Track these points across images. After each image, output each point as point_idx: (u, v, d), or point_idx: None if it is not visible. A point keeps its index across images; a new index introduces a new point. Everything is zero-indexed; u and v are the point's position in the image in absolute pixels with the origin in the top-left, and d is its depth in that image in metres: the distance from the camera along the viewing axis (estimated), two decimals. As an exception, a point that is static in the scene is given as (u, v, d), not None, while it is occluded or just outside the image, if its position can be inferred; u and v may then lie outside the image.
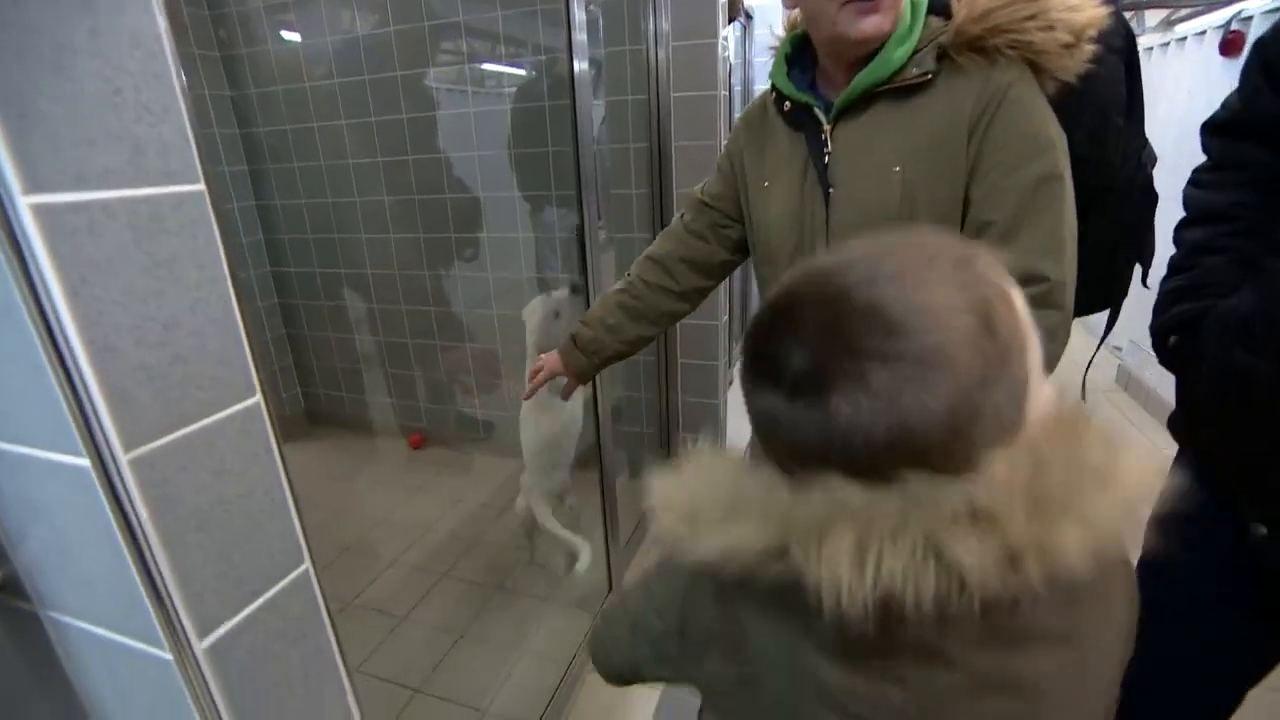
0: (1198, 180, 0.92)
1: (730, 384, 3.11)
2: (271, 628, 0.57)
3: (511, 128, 2.38)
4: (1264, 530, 0.82)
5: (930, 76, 0.80)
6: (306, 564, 0.60)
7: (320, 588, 0.62)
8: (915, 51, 0.80)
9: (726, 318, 2.54)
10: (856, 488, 0.38)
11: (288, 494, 0.57)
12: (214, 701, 0.52)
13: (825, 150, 0.86)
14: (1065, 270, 0.78)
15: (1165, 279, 0.94)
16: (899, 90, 0.81)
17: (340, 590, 2.03)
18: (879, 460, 0.38)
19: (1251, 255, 0.83)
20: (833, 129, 0.86)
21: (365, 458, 2.94)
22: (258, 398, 0.53)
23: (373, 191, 2.59)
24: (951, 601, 0.36)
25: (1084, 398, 1.32)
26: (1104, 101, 0.96)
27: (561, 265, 2.47)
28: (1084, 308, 1.61)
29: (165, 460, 0.46)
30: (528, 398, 1.31)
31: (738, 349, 4.14)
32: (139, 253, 0.43)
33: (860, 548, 0.36)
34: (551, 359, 1.20)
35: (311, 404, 3.13)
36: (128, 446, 0.43)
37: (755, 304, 4.13)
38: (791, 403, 0.39)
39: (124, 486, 0.44)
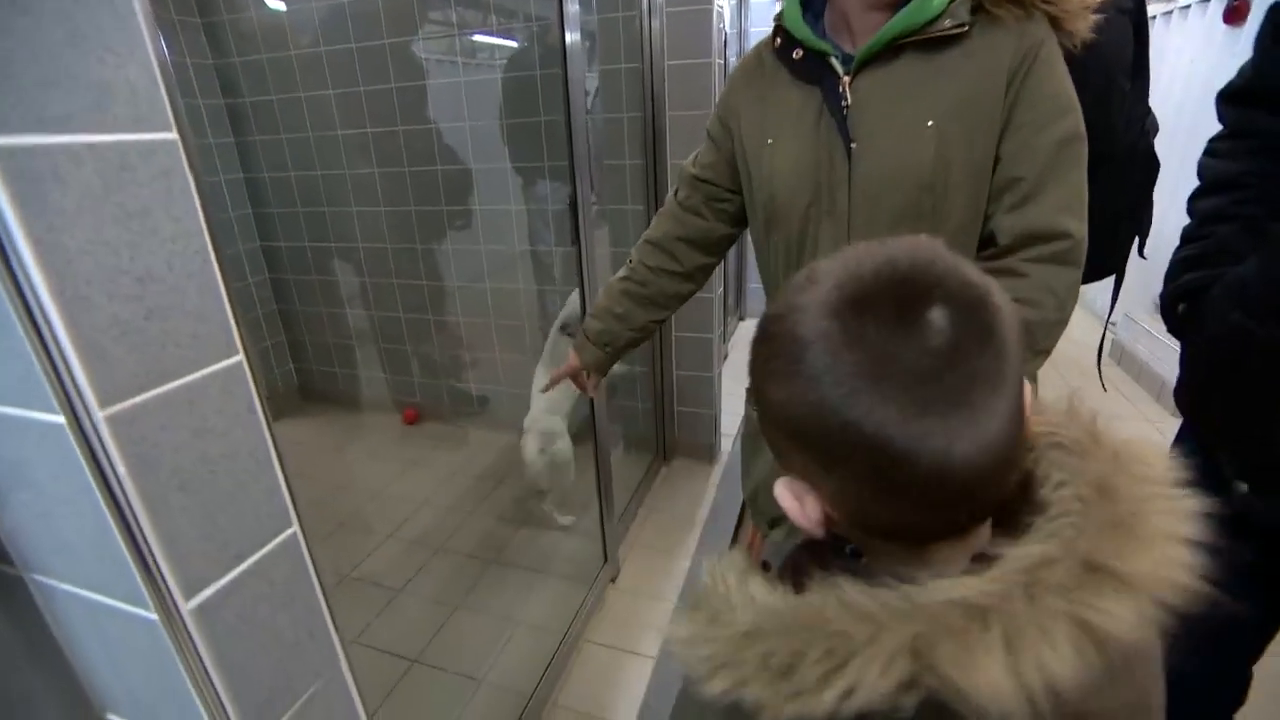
0: (1213, 150, 0.92)
1: (725, 358, 3.11)
2: (259, 592, 0.56)
3: (503, 97, 2.33)
4: (1245, 487, 0.83)
5: (966, 29, 0.77)
6: (294, 528, 0.59)
7: (310, 553, 0.62)
8: (950, 1, 0.77)
9: (721, 290, 2.53)
10: (966, 574, 0.33)
11: (273, 456, 0.56)
12: (203, 663, 0.52)
13: (844, 103, 0.82)
14: (1084, 229, 0.78)
15: (1178, 248, 0.94)
16: (929, 42, 0.78)
17: (336, 563, 2.03)
18: (985, 493, 0.35)
19: (1263, 222, 0.83)
20: (852, 80, 0.81)
21: (359, 433, 2.94)
22: (240, 357, 0.52)
23: (362, 164, 2.55)
24: (1102, 673, 0.31)
25: (1104, 387, 1.27)
26: (1111, 64, 0.94)
27: (555, 238, 2.45)
28: (1090, 275, 1.59)
29: (144, 418, 0.45)
30: (546, 390, 1.39)
31: (732, 321, 4.12)
32: (109, 203, 0.41)
33: (1012, 657, 0.31)
34: (571, 358, 1.18)
35: (304, 380, 3.11)
36: (104, 403, 0.42)
37: (753, 275, 4.10)
38: (931, 418, 0.33)
39: (101, 444, 0.43)
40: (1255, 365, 0.80)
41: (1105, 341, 1.25)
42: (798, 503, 0.40)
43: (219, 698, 0.54)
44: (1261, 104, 0.86)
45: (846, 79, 0.82)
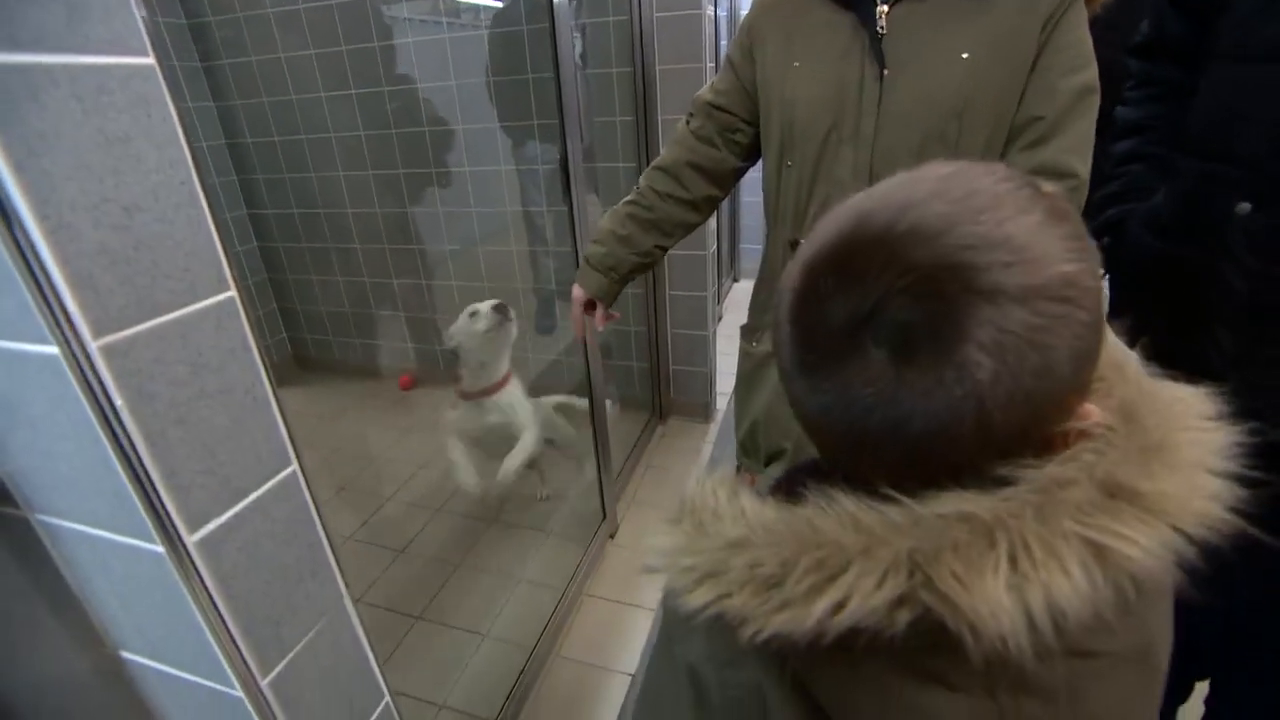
0: (1125, 98, 1.02)
1: (720, 319, 3.11)
2: (262, 528, 0.57)
3: (490, 55, 2.28)
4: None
5: None
6: (294, 466, 0.60)
7: (310, 492, 0.62)
8: None
9: (715, 248, 2.52)
10: (975, 491, 0.32)
11: (270, 394, 0.57)
12: (211, 596, 0.53)
13: (879, 30, 0.82)
14: (1088, 173, 0.82)
15: (1099, 187, 1.01)
16: None
17: (338, 526, 2.05)
18: (1010, 436, 0.31)
19: (1168, 159, 0.92)
20: (890, 9, 0.82)
21: (356, 401, 2.94)
22: (232, 293, 0.52)
23: (348, 126, 2.50)
24: (1111, 605, 0.30)
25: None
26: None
27: (546, 199, 2.42)
28: None
29: (138, 350, 0.45)
30: (581, 338, 1.35)
31: (726, 282, 4.10)
32: (89, 127, 0.40)
33: (1016, 575, 0.30)
34: (577, 292, 1.15)
35: (299, 349, 3.10)
36: (96, 333, 0.42)
37: (746, 236, 4.08)
38: (899, 372, 0.31)
39: (96, 376, 0.43)
40: (1175, 284, 0.88)
41: None
42: None
43: (228, 630, 0.55)
44: (1159, 56, 0.97)
45: (884, 7, 0.82)
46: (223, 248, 0.51)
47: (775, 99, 0.92)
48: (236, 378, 0.53)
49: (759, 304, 1.10)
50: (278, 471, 0.58)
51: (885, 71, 0.82)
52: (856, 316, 0.32)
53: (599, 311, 1.14)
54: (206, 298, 0.50)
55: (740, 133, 1.02)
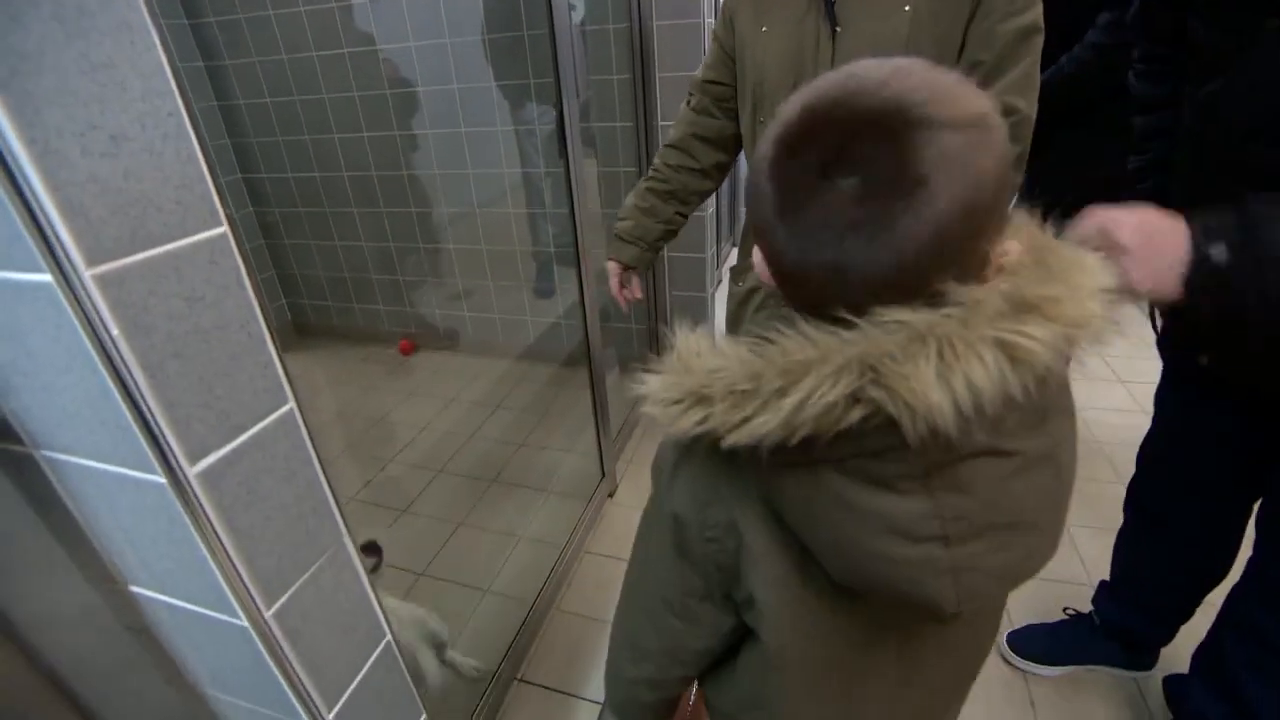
0: (1137, 72, 1.00)
1: (719, 282, 3.10)
2: (260, 464, 0.58)
3: (484, 11, 2.24)
4: (1205, 360, 0.93)
5: None
6: (290, 404, 0.61)
7: (308, 431, 0.63)
8: None
9: (714, 209, 2.50)
10: (916, 308, 0.38)
11: (265, 331, 0.57)
12: (214, 528, 0.54)
13: None
14: (1033, 107, 0.88)
15: (1131, 158, 1.03)
16: None
17: (341, 488, 2.08)
18: (959, 250, 0.38)
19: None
20: None
21: (356, 366, 2.96)
22: (224, 229, 0.52)
23: (341, 87, 2.47)
24: (1019, 392, 0.37)
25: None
26: None
27: (545, 160, 2.40)
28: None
29: (132, 281, 0.45)
30: (626, 306, 1.38)
31: (726, 246, 4.09)
32: (71, 50, 0.40)
33: (943, 365, 0.36)
34: (612, 265, 1.29)
35: (298, 315, 3.10)
36: (90, 262, 0.43)
37: (744, 196, 4.04)
38: (864, 198, 0.37)
39: (92, 304, 0.43)
40: None
41: None
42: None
43: (232, 562, 0.56)
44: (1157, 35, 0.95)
45: None
46: (215, 185, 0.51)
47: (749, 62, 1.01)
48: (232, 314, 0.54)
49: (746, 249, 1.20)
50: (275, 409, 0.59)
51: (837, 29, 0.89)
52: (824, 160, 0.38)
53: (634, 280, 1.30)
54: (199, 232, 0.50)
55: (733, 101, 1.12)
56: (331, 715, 0.70)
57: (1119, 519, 1.27)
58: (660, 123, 2.13)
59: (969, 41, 0.87)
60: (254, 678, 0.66)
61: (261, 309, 0.57)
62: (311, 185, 2.71)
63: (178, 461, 0.50)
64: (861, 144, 0.37)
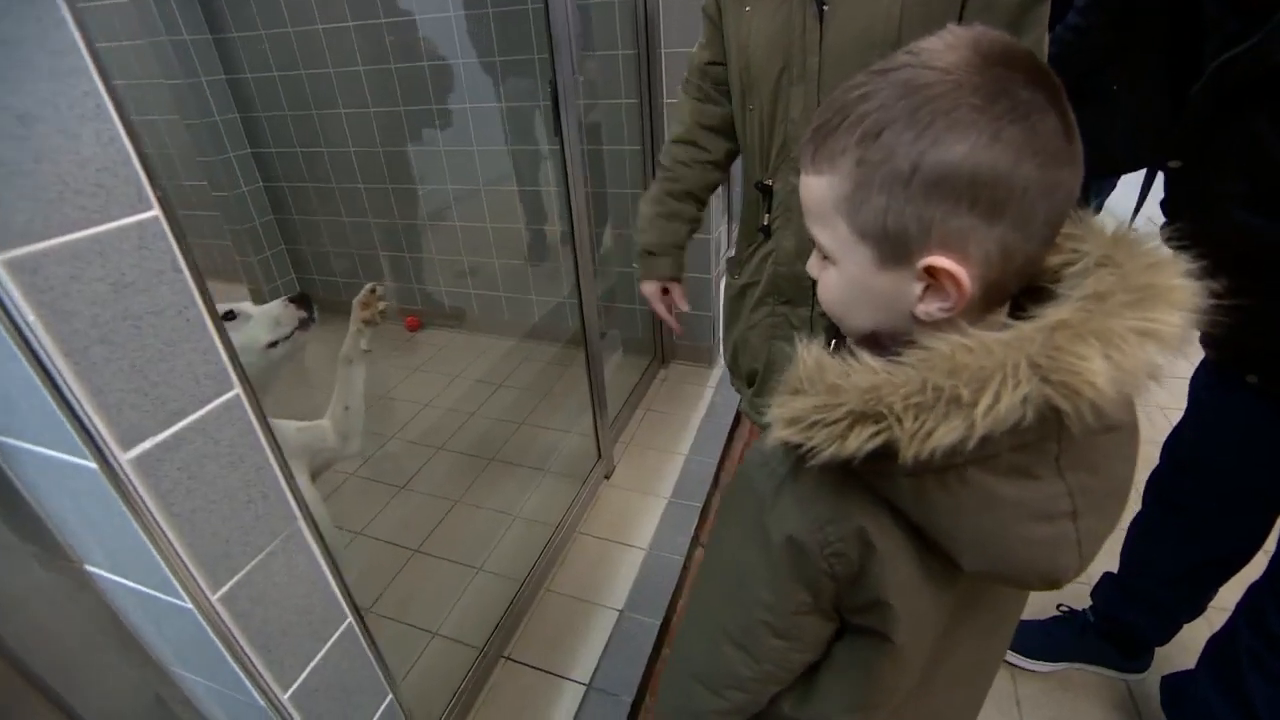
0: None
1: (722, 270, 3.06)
2: (204, 450, 0.58)
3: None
4: (1255, 379, 0.93)
5: None
6: (236, 390, 0.60)
7: (258, 417, 0.63)
8: None
9: (721, 231, 2.46)
10: (1051, 307, 0.41)
11: (206, 318, 0.57)
12: (152, 513, 0.54)
13: None
14: None
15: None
16: None
17: (342, 463, 2.10)
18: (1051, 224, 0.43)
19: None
20: None
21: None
22: (155, 212, 0.51)
23: (347, 61, 2.45)
24: (1161, 373, 0.40)
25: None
26: None
27: (551, 136, 2.36)
28: (1126, 162, 1.52)
29: (49, 267, 0.45)
30: (678, 326, 1.28)
31: (734, 226, 4.04)
32: (-29, 28, 0.39)
33: (1111, 364, 0.38)
34: (649, 287, 1.22)
35: (307, 290, 3.12)
36: None
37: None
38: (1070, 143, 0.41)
39: (4, 290, 0.43)
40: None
41: None
42: (953, 285, 0.42)
43: (172, 546, 0.56)
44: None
45: None
46: (144, 168, 0.50)
47: (734, 44, 0.95)
48: (167, 299, 0.53)
49: (742, 240, 1.15)
50: (218, 395, 0.58)
51: (824, 8, 0.84)
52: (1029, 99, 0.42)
53: (676, 290, 1.21)
54: (124, 216, 0.49)
55: None
56: (287, 695, 0.70)
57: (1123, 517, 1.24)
58: (665, 100, 2.09)
59: (966, 18, 0.81)
60: (207, 658, 0.66)
61: (202, 294, 0.56)
62: (319, 160, 2.71)
63: (108, 447, 0.50)
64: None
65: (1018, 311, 0.44)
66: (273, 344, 1.10)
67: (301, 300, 1.16)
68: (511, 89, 2.32)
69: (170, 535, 0.56)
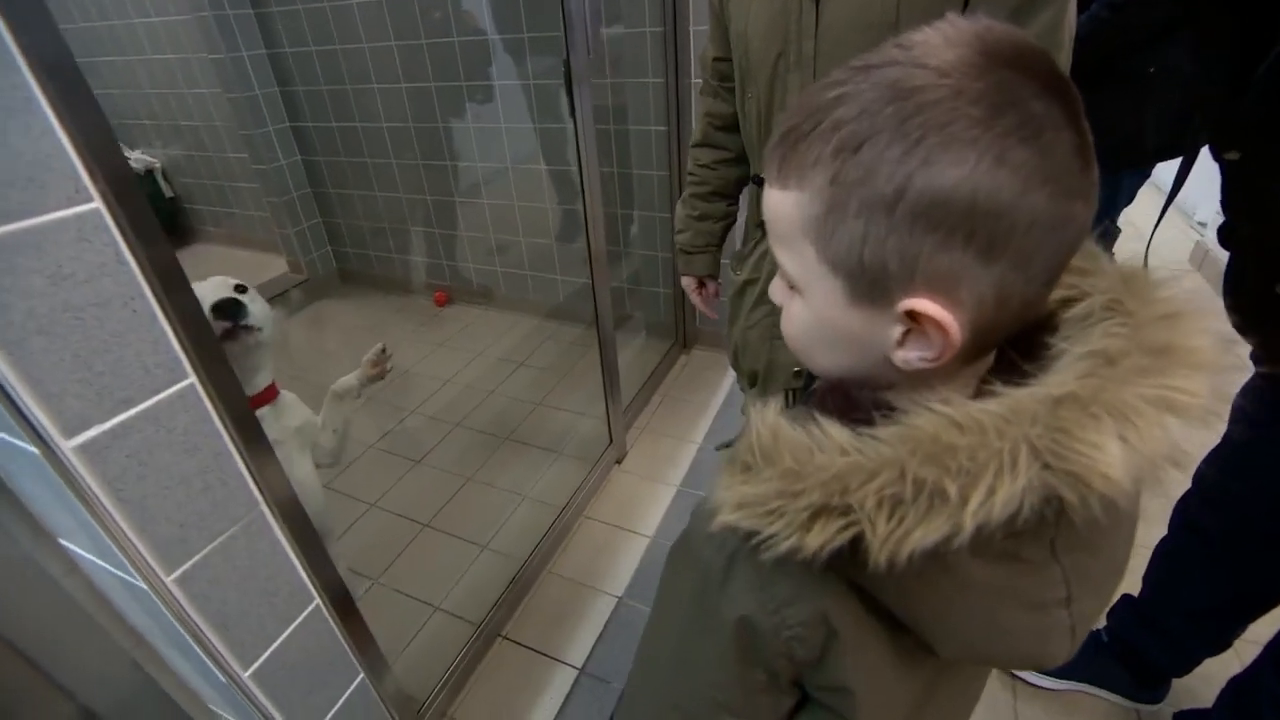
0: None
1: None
2: (155, 438, 0.59)
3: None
4: None
5: None
6: (191, 380, 0.61)
7: (216, 404, 0.64)
8: None
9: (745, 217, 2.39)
10: (1054, 375, 0.35)
11: (155, 308, 0.57)
12: (99, 498, 0.56)
13: None
14: (1064, 65, 0.74)
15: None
16: None
17: (362, 435, 2.16)
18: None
19: None
20: None
21: (393, 315, 3.03)
22: (95, 205, 0.51)
23: (379, 36, 2.46)
24: (1181, 454, 0.35)
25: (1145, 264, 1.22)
26: None
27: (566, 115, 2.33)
28: (1155, 152, 1.41)
29: (-21, 259, 0.45)
30: (713, 315, 1.37)
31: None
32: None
33: (1128, 446, 0.32)
34: (686, 282, 1.28)
35: (342, 262, 3.20)
36: (-74, 241, 0.43)
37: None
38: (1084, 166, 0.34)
39: (-65, 282, 0.44)
40: None
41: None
42: (940, 331, 0.36)
43: (123, 530, 0.58)
44: None
45: None
46: (82, 160, 0.50)
47: (735, 32, 0.92)
48: (111, 291, 0.54)
49: (746, 234, 1.13)
50: (171, 384, 0.59)
51: None
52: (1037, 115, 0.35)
53: (710, 287, 1.29)
54: (60, 209, 0.49)
55: None
56: (248, 674, 0.72)
57: (1147, 536, 1.16)
58: (693, 80, 2.03)
59: (971, 4, 0.75)
60: (170, 634, 0.69)
61: (152, 285, 0.57)
62: (353, 135, 2.75)
63: (49, 434, 0.51)
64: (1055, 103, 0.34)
65: (1002, 362, 0.40)
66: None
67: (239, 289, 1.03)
68: (539, 66, 2.29)
69: (119, 519, 0.57)
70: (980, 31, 0.34)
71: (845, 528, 0.34)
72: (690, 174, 1.18)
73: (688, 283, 1.28)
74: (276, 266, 3.13)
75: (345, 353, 2.35)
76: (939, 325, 0.35)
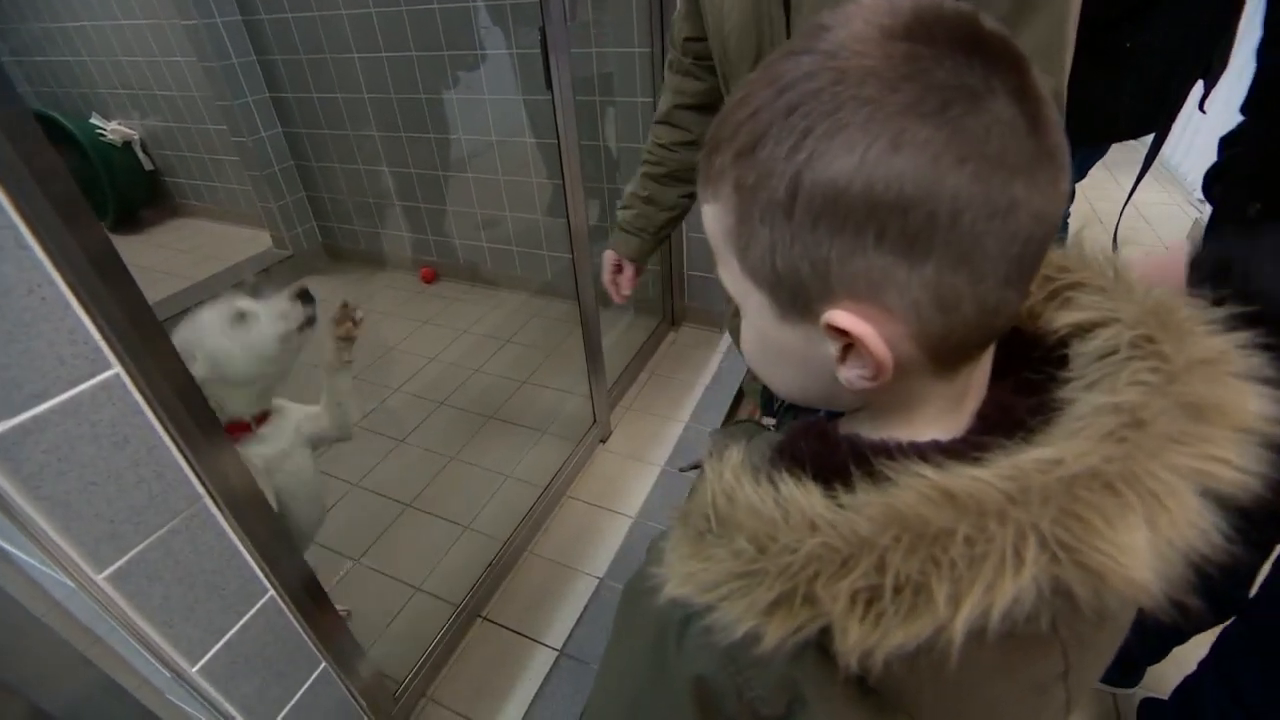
0: None
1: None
2: (76, 432, 0.56)
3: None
4: None
5: None
6: (115, 370, 0.58)
7: (147, 394, 0.61)
8: None
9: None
10: (1071, 439, 0.29)
11: (69, 296, 0.54)
12: (12, 496, 0.53)
13: None
14: (1062, 78, 0.67)
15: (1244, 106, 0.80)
16: None
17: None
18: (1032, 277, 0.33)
19: None
20: None
21: (378, 291, 2.99)
22: (-11, 186, 0.48)
23: (357, 2, 2.37)
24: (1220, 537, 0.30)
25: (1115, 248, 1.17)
26: None
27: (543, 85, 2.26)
28: (1130, 128, 1.37)
29: None
30: (621, 299, 1.20)
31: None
32: None
33: (1156, 534, 0.27)
34: (609, 254, 1.17)
35: (328, 238, 3.14)
36: None
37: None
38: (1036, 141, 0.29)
39: None
40: None
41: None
42: (878, 344, 0.31)
43: (44, 530, 0.55)
44: None
45: None
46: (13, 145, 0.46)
47: (713, 29, 0.87)
48: (14, 278, 0.50)
49: None
50: (91, 375, 0.56)
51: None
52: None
53: (627, 271, 1.16)
54: (-54, 189, 0.46)
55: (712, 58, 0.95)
56: (196, 669, 0.71)
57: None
58: (680, 47, 1.96)
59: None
60: (110, 631, 0.66)
61: (63, 271, 0.53)
62: (335, 106, 2.67)
63: (-51, 432, 0.48)
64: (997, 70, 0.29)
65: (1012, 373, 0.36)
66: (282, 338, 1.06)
67: (304, 295, 1.10)
68: (522, 35, 2.22)
69: (37, 517, 0.55)
70: (886, 5, 0.30)
71: (813, 619, 0.29)
72: (648, 152, 1.09)
73: (608, 257, 1.17)
74: (261, 242, 3.08)
75: (331, 330, 2.32)
76: (863, 341, 0.31)
